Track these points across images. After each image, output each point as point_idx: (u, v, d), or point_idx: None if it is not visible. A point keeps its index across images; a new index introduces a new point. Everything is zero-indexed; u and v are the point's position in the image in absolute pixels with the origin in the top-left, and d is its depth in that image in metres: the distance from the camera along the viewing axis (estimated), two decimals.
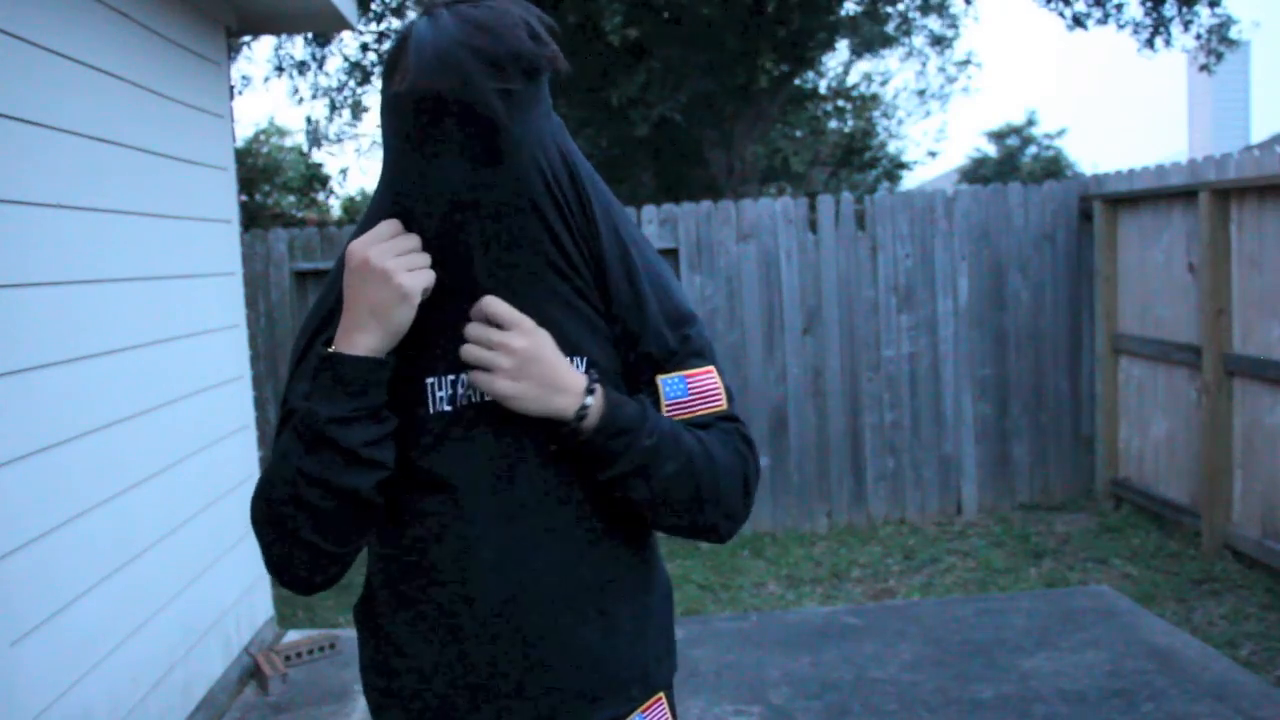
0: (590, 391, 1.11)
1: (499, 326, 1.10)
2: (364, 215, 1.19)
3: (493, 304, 1.10)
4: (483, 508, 1.14)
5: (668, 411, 1.19)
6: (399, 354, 1.12)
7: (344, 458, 1.06)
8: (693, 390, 1.21)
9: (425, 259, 1.10)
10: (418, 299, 1.08)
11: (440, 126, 1.06)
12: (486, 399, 1.14)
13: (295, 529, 1.09)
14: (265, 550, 1.14)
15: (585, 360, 1.17)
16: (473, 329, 1.10)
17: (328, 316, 1.17)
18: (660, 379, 1.20)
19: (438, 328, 1.13)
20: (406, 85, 1.06)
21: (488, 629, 1.15)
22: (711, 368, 1.23)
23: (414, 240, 1.10)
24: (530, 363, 1.09)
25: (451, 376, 1.14)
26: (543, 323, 1.13)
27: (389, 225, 1.10)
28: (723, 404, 1.22)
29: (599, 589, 1.19)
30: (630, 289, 1.19)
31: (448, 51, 1.04)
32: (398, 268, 1.07)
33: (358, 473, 1.07)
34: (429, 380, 1.14)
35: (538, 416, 1.11)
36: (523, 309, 1.12)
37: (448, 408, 1.14)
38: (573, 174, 1.16)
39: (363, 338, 1.08)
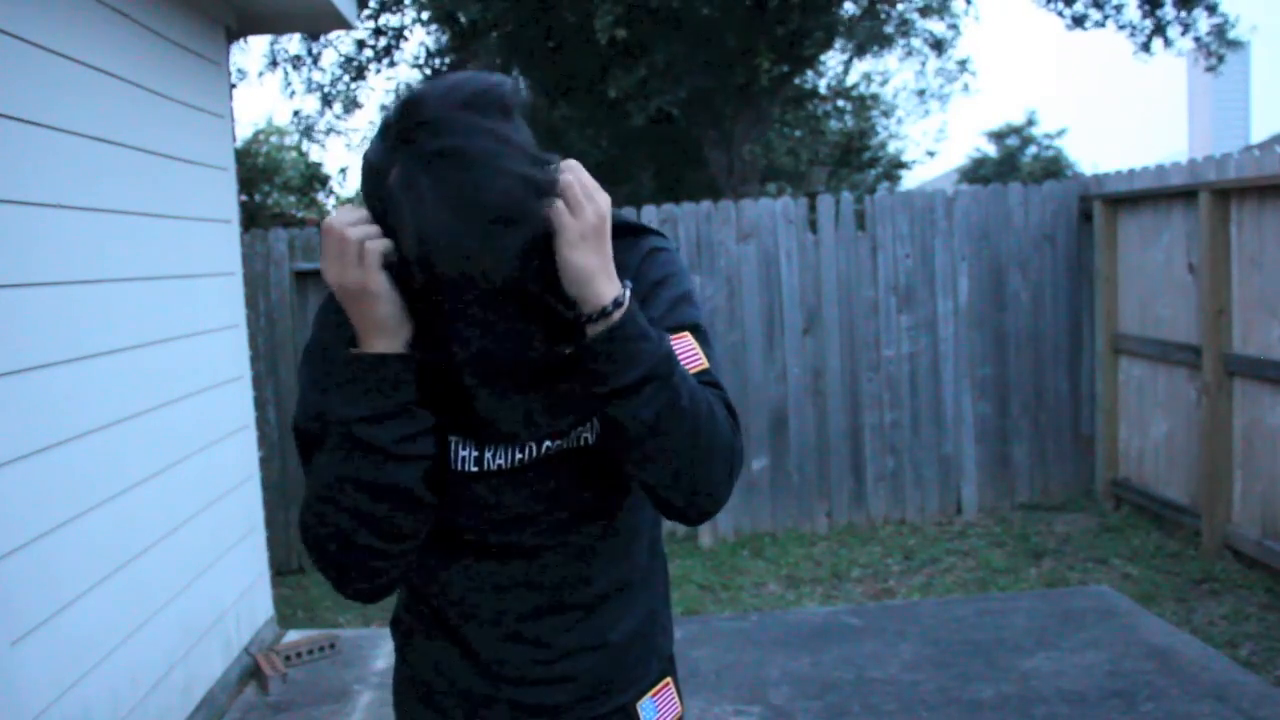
0: (626, 287, 1.07)
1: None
2: None
3: (579, 170, 1.05)
4: (512, 542, 1.21)
5: None
6: (428, 406, 1.12)
7: (380, 456, 1.07)
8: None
9: (364, 236, 1.03)
10: (377, 286, 1.03)
11: (463, 287, 1.02)
12: (516, 462, 1.15)
13: (348, 535, 1.10)
14: (324, 565, 1.14)
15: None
16: (570, 175, 1.04)
17: (349, 339, 1.14)
18: None
19: (458, 394, 1.13)
20: (422, 265, 0.99)
21: (516, 636, 1.24)
22: (686, 334, 1.18)
23: (350, 227, 1.03)
24: (603, 232, 1.05)
25: (475, 452, 1.15)
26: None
27: (328, 238, 1.05)
28: (704, 363, 1.17)
29: (625, 582, 1.27)
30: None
31: (455, 243, 0.96)
32: (347, 275, 1.03)
33: (395, 469, 1.08)
34: (452, 437, 1.15)
35: (576, 292, 1.05)
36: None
37: (474, 468, 1.16)
38: None
39: (372, 339, 1.07)
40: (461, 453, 1.16)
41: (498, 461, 1.16)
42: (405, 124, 0.99)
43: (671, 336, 1.15)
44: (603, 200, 1.05)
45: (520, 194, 0.97)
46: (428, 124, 0.97)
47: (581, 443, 1.17)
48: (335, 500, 1.09)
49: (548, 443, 1.16)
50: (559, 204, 1.03)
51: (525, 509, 1.19)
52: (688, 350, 1.17)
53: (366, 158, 1.03)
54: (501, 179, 0.96)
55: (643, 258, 1.19)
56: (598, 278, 1.04)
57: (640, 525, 1.28)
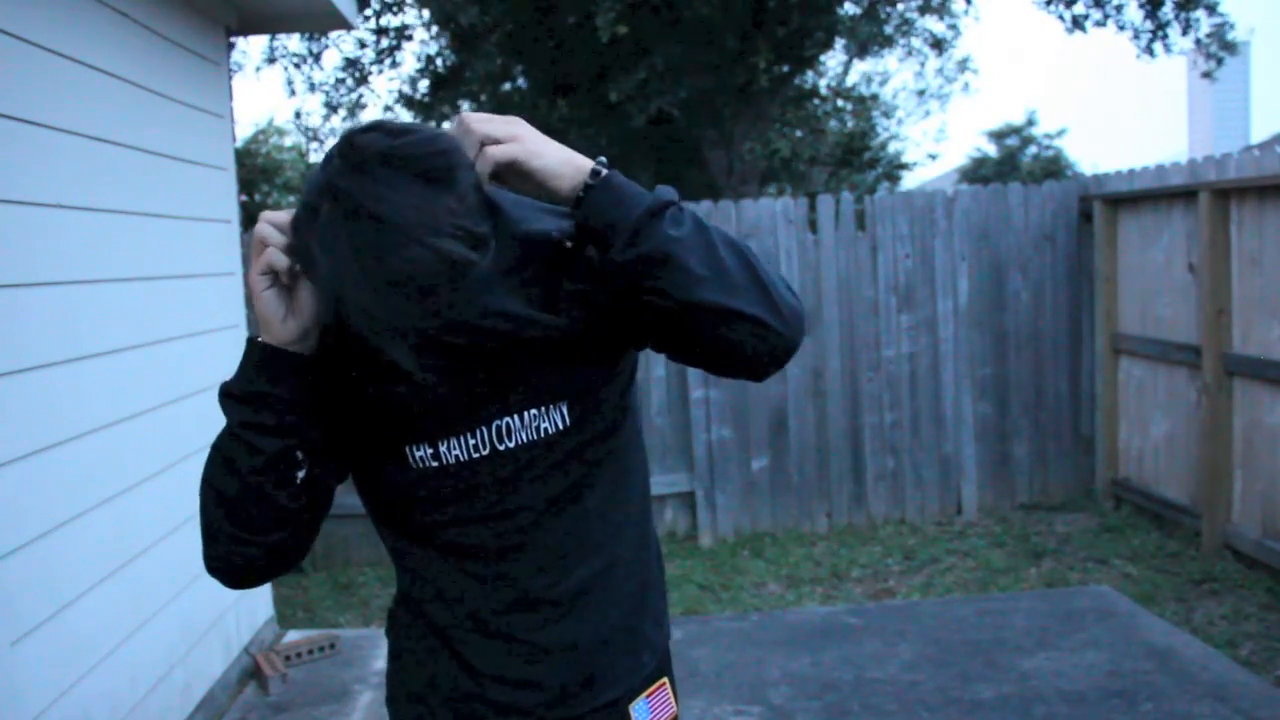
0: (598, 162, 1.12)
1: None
2: None
3: (468, 118, 1.10)
4: (483, 539, 1.21)
5: None
6: (385, 423, 1.17)
7: (227, 431, 1.12)
8: None
9: (269, 243, 1.08)
10: (260, 290, 1.09)
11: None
12: (474, 455, 1.17)
13: (203, 499, 1.15)
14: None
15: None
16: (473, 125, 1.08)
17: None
18: None
19: (420, 406, 1.16)
20: (329, 310, 1.04)
21: (493, 633, 1.24)
22: None
23: (267, 228, 1.09)
24: (525, 136, 1.09)
25: (431, 449, 1.18)
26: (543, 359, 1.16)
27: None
28: None
29: (606, 575, 1.26)
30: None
31: (361, 303, 1.00)
32: (254, 272, 1.09)
33: (238, 450, 1.11)
34: (407, 446, 1.18)
35: (568, 179, 1.09)
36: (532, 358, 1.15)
37: (434, 464, 1.18)
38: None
39: (261, 331, 1.13)
40: (418, 453, 1.18)
41: (454, 454, 1.17)
42: (341, 172, 1.00)
43: None
44: (520, 128, 1.08)
45: (430, 268, 0.98)
46: (362, 180, 0.99)
47: (541, 434, 1.18)
48: (208, 464, 1.14)
49: (497, 423, 1.17)
50: (474, 150, 1.06)
51: (492, 505, 1.19)
52: None
53: (307, 182, 1.06)
54: (415, 249, 0.97)
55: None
56: (567, 161, 1.08)
57: (624, 519, 1.27)
